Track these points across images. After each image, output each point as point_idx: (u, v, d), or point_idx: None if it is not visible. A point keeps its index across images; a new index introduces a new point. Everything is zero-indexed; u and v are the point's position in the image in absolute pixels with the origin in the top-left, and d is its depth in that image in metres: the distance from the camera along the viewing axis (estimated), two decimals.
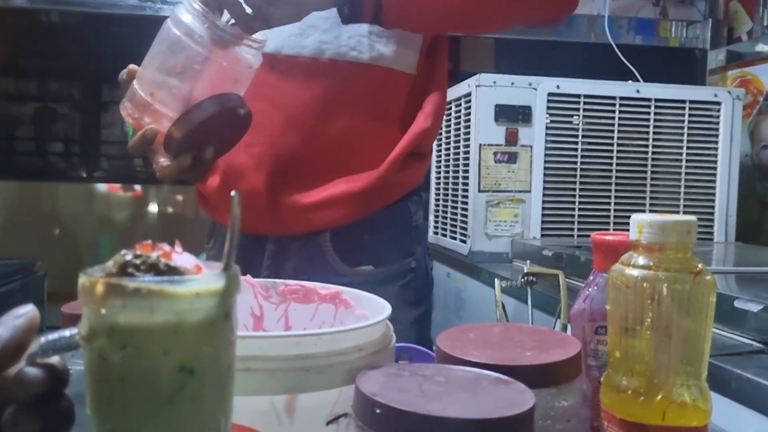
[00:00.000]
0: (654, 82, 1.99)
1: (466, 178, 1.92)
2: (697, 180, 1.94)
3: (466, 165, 1.93)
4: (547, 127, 1.87)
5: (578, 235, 1.89)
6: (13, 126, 4.33)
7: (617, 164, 1.91)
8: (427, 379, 0.45)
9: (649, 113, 1.91)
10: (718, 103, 1.93)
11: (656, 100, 1.90)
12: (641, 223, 0.49)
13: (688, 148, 1.93)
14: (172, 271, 0.34)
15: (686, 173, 1.94)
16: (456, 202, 2.04)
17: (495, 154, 1.86)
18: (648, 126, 1.91)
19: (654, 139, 1.91)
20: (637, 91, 1.91)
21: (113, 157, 4.40)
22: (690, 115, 1.92)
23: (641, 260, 0.49)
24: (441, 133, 2.16)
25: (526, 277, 1.32)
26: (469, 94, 1.93)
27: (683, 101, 1.92)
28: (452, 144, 2.08)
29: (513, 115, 1.86)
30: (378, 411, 0.40)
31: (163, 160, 0.80)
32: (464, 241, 1.94)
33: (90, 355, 0.33)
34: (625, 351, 0.50)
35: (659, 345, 0.48)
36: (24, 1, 2.33)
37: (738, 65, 2.33)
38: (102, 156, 4.44)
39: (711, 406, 0.49)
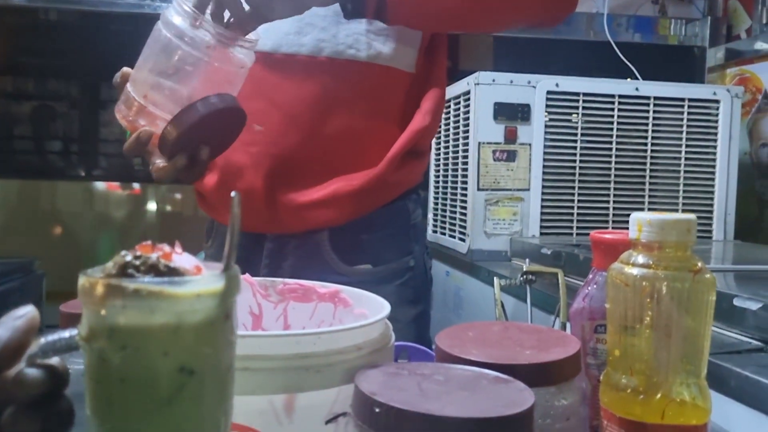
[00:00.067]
0: (653, 80, 1.99)
1: (465, 176, 1.92)
2: (695, 178, 1.95)
3: (465, 163, 1.93)
4: (546, 125, 1.87)
5: (577, 234, 1.89)
6: (11, 124, 4.33)
7: (616, 162, 1.91)
8: (426, 378, 0.45)
9: (648, 111, 1.91)
10: (717, 101, 1.93)
11: (655, 98, 1.91)
12: (641, 222, 0.49)
13: (686, 146, 1.93)
14: (172, 272, 0.34)
15: (685, 171, 1.94)
16: (455, 200, 2.04)
17: (494, 152, 1.87)
18: (647, 124, 1.91)
19: (653, 137, 1.92)
20: (636, 89, 1.91)
21: (112, 156, 4.40)
22: (689, 113, 1.92)
23: (641, 259, 0.49)
24: (440, 132, 2.16)
25: (525, 276, 1.32)
26: (468, 92, 1.93)
27: (682, 99, 1.92)
28: (451, 142, 2.08)
29: (512, 113, 1.86)
30: (377, 410, 0.40)
31: (159, 162, 0.80)
32: (463, 240, 1.94)
33: (90, 355, 0.33)
34: (625, 349, 0.50)
35: (659, 343, 0.48)
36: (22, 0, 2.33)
37: (737, 63, 2.33)
38: (100, 154, 4.44)
39: (710, 405, 0.49)
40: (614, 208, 1.91)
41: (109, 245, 3.82)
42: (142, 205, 4.21)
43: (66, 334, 0.35)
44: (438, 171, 2.23)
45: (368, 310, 0.58)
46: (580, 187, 1.90)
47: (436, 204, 2.24)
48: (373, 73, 0.98)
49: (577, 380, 0.52)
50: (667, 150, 1.93)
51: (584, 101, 1.88)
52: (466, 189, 1.92)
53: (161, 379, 0.33)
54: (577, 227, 1.90)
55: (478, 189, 1.87)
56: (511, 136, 1.86)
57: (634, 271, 0.49)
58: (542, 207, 1.88)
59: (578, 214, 1.90)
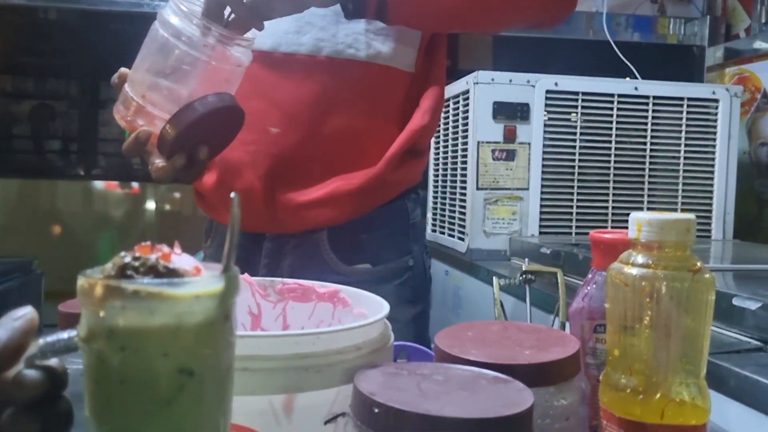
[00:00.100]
0: (652, 80, 1.99)
1: (464, 175, 1.92)
2: (695, 177, 1.95)
3: (464, 162, 1.93)
4: (545, 125, 1.87)
5: (576, 233, 1.89)
6: (10, 124, 4.33)
7: (615, 161, 1.91)
8: (426, 378, 0.45)
9: (647, 110, 1.91)
10: (716, 101, 1.93)
11: (654, 97, 1.91)
12: (640, 222, 0.49)
13: (686, 145, 1.93)
14: (171, 273, 0.34)
15: (684, 170, 1.94)
16: (454, 199, 2.04)
17: (493, 151, 1.87)
18: (646, 123, 1.91)
19: (652, 137, 1.92)
20: (635, 89, 1.91)
21: (111, 155, 4.40)
22: (688, 113, 1.92)
23: (640, 258, 0.49)
24: (439, 131, 2.16)
25: (524, 275, 1.32)
26: (467, 92, 1.93)
27: (681, 98, 1.92)
28: (450, 141, 2.08)
29: (511, 113, 1.86)
30: (376, 410, 0.40)
31: (158, 161, 0.80)
32: (462, 239, 1.94)
33: (89, 357, 0.33)
34: (624, 349, 0.50)
35: (658, 343, 0.48)
36: None
37: (736, 62, 2.34)
38: (99, 153, 4.44)
39: (710, 405, 0.49)
40: (613, 208, 1.91)
41: (108, 244, 3.82)
42: (141, 205, 4.20)
43: (65, 335, 0.35)
44: (437, 170, 2.23)
45: (367, 309, 0.58)
46: (579, 187, 1.90)
47: (435, 203, 2.24)
48: (372, 73, 0.98)
49: (576, 380, 0.52)
50: (667, 149, 1.93)
51: (583, 100, 1.88)
52: (465, 188, 1.92)
53: (161, 380, 0.33)
54: (577, 226, 1.90)
55: (478, 188, 1.87)
56: (510, 136, 1.86)
57: (634, 270, 0.49)
58: (541, 206, 1.88)
59: (577, 213, 1.90)
